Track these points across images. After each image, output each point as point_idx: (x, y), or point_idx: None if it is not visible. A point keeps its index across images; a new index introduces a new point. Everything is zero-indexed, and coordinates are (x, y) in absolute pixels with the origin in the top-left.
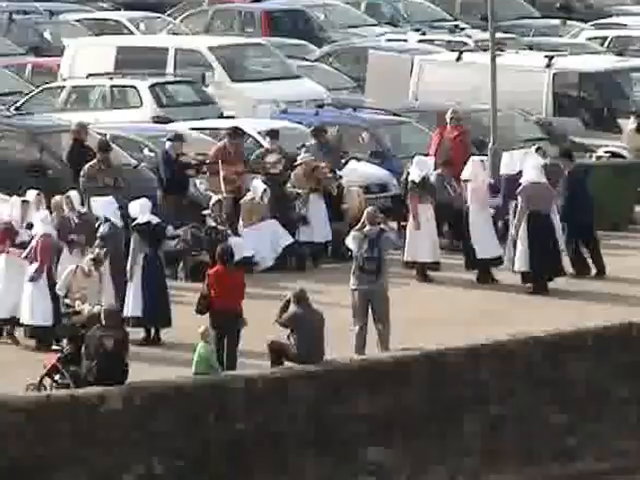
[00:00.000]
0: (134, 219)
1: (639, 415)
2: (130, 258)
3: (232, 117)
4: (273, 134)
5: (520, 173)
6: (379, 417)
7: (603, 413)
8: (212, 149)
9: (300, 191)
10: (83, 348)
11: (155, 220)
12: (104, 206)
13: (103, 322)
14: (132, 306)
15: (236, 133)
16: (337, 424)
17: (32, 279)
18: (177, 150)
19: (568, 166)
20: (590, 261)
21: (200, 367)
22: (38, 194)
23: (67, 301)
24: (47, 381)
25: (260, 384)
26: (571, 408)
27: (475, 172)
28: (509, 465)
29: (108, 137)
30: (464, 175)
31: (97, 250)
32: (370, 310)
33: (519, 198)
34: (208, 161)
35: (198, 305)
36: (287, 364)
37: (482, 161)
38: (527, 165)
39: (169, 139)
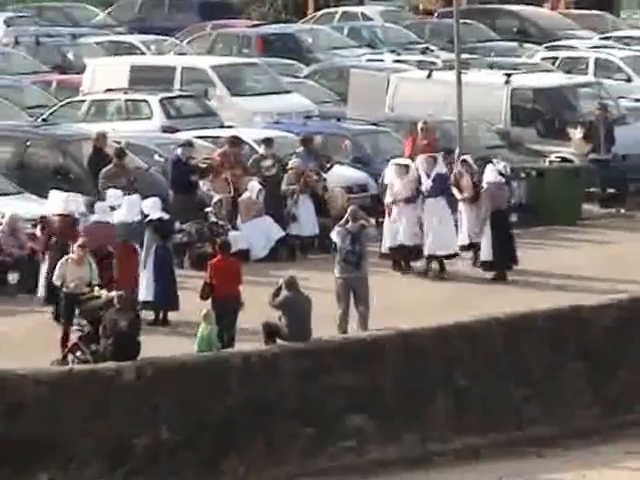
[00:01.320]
0: (146, 215)
1: (587, 387)
2: (144, 250)
3: (231, 127)
4: (267, 142)
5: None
6: (358, 389)
7: (556, 386)
8: (214, 154)
9: (294, 187)
10: (101, 328)
11: (165, 216)
12: (152, 205)
13: (118, 306)
14: (145, 292)
15: (236, 141)
16: (322, 395)
17: None
18: (187, 155)
19: None
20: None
21: (202, 345)
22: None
23: (86, 289)
24: (70, 357)
25: (255, 359)
26: (528, 382)
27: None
28: (474, 431)
29: (123, 144)
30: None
31: (83, 239)
32: (352, 295)
33: (483, 197)
34: (217, 163)
35: (202, 291)
36: (279, 342)
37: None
38: (487, 169)
39: (180, 145)
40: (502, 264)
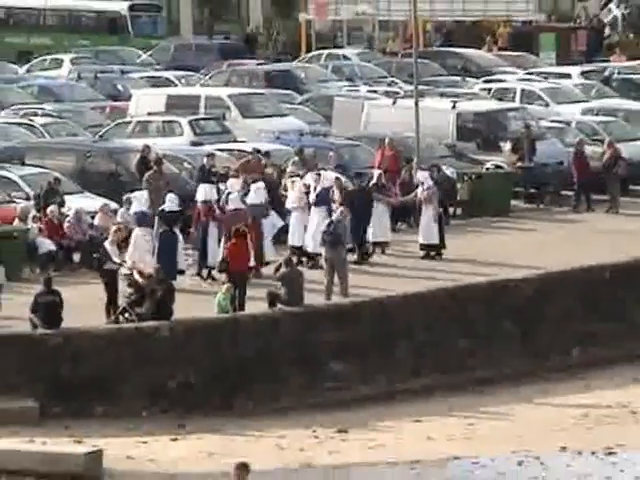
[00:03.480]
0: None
1: (516, 340)
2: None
3: (243, 142)
4: (267, 154)
5: None
6: (340, 343)
7: (492, 339)
8: (238, 162)
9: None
10: (145, 295)
11: (175, 209)
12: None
13: (156, 278)
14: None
15: (255, 153)
16: (312, 347)
17: None
18: (210, 163)
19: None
20: None
21: (219, 309)
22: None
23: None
24: (120, 318)
25: (261, 320)
26: (471, 336)
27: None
28: (429, 375)
29: (161, 155)
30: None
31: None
32: (335, 270)
33: (428, 194)
34: (235, 169)
35: (219, 266)
36: (279, 307)
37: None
38: (422, 176)
39: (206, 156)
40: (441, 245)
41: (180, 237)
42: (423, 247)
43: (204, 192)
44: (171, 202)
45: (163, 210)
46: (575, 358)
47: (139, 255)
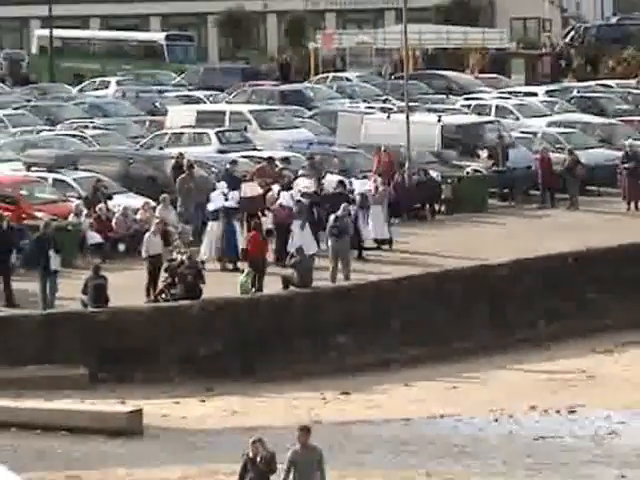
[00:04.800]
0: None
1: (488, 316)
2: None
3: (261, 150)
4: (285, 159)
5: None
6: (343, 319)
7: (468, 315)
8: (256, 168)
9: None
10: (177, 279)
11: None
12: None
13: (187, 264)
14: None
15: (270, 160)
16: (319, 322)
17: None
18: (233, 169)
19: None
20: None
21: (242, 290)
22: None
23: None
24: (159, 298)
25: (276, 299)
26: (451, 313)
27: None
28: (416, 346)
29: (192, 160)
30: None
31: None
32: (339, 257)
33: (380, 196)
34: (252, 173)
35: (241, 254)
36: (291, 288)
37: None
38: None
39: (229, 162)
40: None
41: (238, 227)
42: (376, 241)
43: (249, 188)
44: (232, 200)
45: (225, 207)
46: (540, 331)
47: (213, 243)
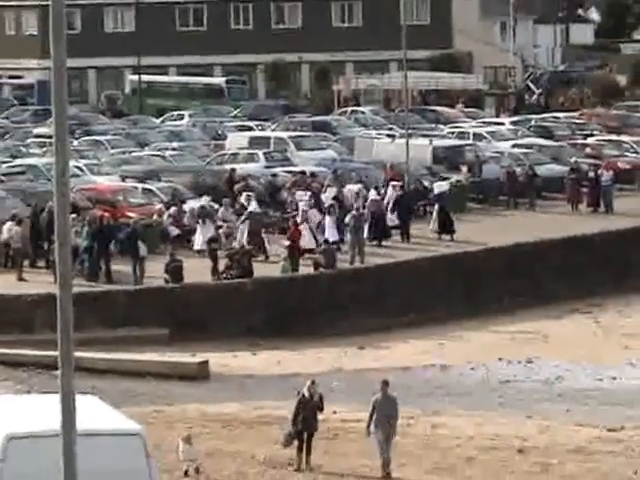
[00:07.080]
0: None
1: (464, 294)
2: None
3: (297, 166)
4: (313, 174)
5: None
6: (357, 293)
7: (450, 293)
8: (292, 179)
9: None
10: (235, 262)
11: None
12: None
13: (242, 252)
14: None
15: (303, 173)
16: (340, 296)
17: None
18: (275, 180)
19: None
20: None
21: (282, 271)
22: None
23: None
24: (221, 277)
25: (309, 280)
26: (437, 290)
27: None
28: (411, 314)
29: (245, 174)
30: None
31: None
32: (356, 246)
33: (333, 208)
34: (290, 183)
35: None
36: (321, 270)
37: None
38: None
39: (272, 175)
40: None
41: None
42: (332, 243)
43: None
44: (252, 204)
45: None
46: (505, 304)
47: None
